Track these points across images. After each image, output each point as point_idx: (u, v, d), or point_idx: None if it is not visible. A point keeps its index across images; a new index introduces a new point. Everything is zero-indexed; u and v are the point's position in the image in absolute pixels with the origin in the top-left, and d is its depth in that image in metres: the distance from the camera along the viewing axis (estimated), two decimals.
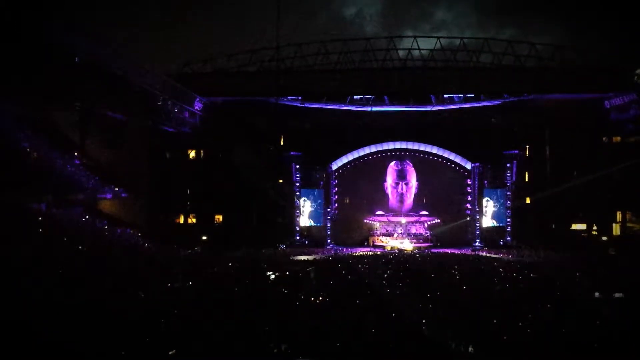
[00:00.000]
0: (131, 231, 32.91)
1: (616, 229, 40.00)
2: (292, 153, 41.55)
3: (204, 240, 38.04)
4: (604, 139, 40.00)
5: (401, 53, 39.25)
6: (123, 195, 36.09)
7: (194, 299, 16.34)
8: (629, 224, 39.59)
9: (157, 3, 57.59)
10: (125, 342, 11.05)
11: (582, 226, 41.18)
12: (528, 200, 41.24)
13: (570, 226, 41.36)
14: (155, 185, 38.19)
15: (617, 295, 16.59)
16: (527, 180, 41.92)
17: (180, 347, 11.20)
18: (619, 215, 40.08)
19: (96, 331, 11.30)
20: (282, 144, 43.00)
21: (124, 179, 35.62)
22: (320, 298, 17.18)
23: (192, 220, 42.10)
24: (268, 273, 22.50)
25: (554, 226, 40.71)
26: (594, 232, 40.30)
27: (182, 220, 42.36)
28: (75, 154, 31.96)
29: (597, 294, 17.01)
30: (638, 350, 10.55)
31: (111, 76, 28.33)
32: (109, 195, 35.38)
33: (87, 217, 30.46)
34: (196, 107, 37.78)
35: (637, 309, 14.43)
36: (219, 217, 42.60)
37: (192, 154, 42.63)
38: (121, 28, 46.61)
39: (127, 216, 34.93)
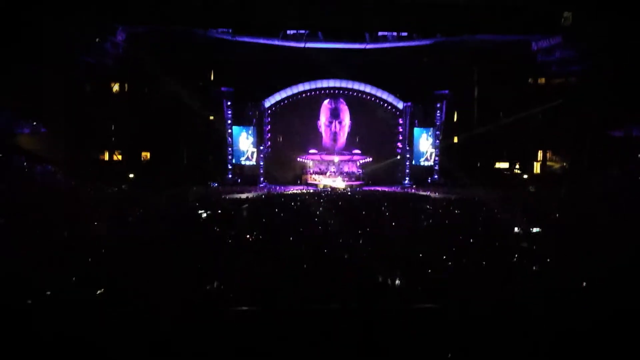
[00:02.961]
0: (52, 168, 31.24)
1: (537, 168, 42.43)
2: (223, 89, 40.21)
3: (131, 178, 36.69)
4: (529, 80, 41.47)
5: None
6: (42, 130, 33.98)
7: (122, 238, 15.81)
8: (549, 163, 42.11)
9: None
10: (50, 282, 10.54)
11: (505, 165, 43.28)
12: (456, 140, 42.61)
13: (494, 164, 43.36)
14: (76, 120, 36.11)
15: (534, 230, 17.59)
16: (455, 120, 43.10)
17: (107, 287, 10.81)
18: (540, 155, 42.43)
19: (17, 271, 10.72)
20: (212, 79, 41.44)
21: (42, 113, 33.43)
22: (253, 236, 17.14)
23: (117, 157, 40.40)
24: (199, 211, 22.13)
25: (479, 164, 42.54)
26: (516, 171, 42.51)
27: (106, 157, 40.56)
28: None
29: (516, 229, 17.97)
30: (556, 279, 11.26)
31: None
32: (26, 130, 33.21)
33: (2, 154, 28.51)
34: (119, 38, 35.34)
35: (552, 242, 15.44)
36: (147, 155, 41.14)
37: (116, 87, 40.31)
38: None
39: (48, 152, 33.01)
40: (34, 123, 33.77)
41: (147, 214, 21.71)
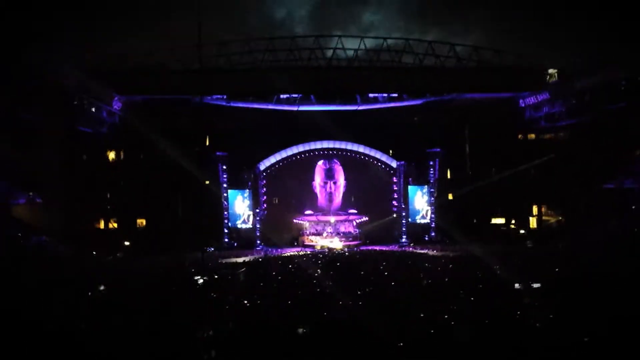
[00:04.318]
0: (47, 238, 30.96)
1: (533, 222, 42.36)
2: (218, 153, 40.64)
3: (127, 245, 36.31)
4: (519, 136, 42.22)
5: (327, 53, 39.52)
6: (38, 200, 33.96)
7: (118, 307, 15.48)
8: (544, 218, 42.10)
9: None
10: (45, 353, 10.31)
11: (501, 220, 43.21)
12: (450, 197, 42.74)
13: (490, 220, 43.28)
14: (72, 190, 36.14)
15: (535, 285, 17.40)
16: (449, 177, 43.44)
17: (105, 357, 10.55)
18: (535, 209, 42.50)
19: (11, 342, 10.49)
20: (207, 144, 41.93)
21: (38, 183, 33.50)
22: (250, 301, 16.85)
23: (113, 225, 40.15)
24: (196, 277, 21.80)
25: (475, 221, 42.45)
26: (512, 226, 42.43)
27: (102, 225, 40.31)
28: None
29: (516, 285, 17.76)
30: (559, 335, 11.06)
31: (23, 73, 26.48)
32: (22, 201, 33.17)
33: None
34: (115, 107, 36.03)
35: (554, 298, 15.21)
36: (142, 221, 40.93)
37: (112, 155, 40.66)
38: (34, 22, 43.52)
39: (43, 222, 32.83)
40: (30, 194, 33.80)
41: (143, 281, 21.36)
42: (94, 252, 31.45)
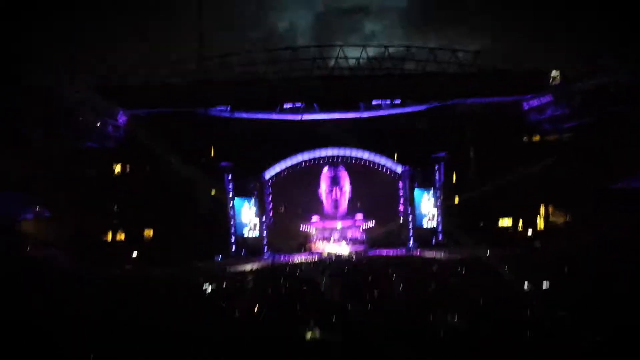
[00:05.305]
0: (56, 252, 31.24)
1: (540, 224, 42.30)
2: (223, 163, 40.92)
3: (135, 257, 36.56)
4: (524, 138, 42.24)
5: (329, 62, 39.75)
6: (46, 214, 34.34)
7: (129, 319, 15.61)
8: (551, 219, 42.04)
9: (72, 17, 54.82)
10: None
11: (508, 222, 43.16)
12: (456, 200, 42.77)
13: (497, 222, 43.27)
14: (79, 203, 36.54)
15: (543, 286, 17.42)
16: (454, 181, 43.45)
17: None
18: (542, 210, 42.44)
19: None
20: (212, 154, 42.24)
21: (45, 198, 33.88)
22: (259, 307, 16.94)
23: (120, 237, 40.45)
24: (204, 287, 21.94)
25: (482, 224, 42.43)
26: (519, 228, 42.37)
27: (109, 237, 40.61)
28: None
29: (525, 286, 17.79)
30: (568, 336, 11.10)
31: (28, 90, 26.82)
32: (29, 215, 33.55)
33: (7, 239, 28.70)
34: (120, 121, 36.41)
35: (563, 298, 15.25)
36: (149, 232, 41.21)
37: (118, 168, 41.04)
38: (37, 38, 44.04)
39: (52, 237, 33.16)
40: (37, 208, 34.16)
41: (152, 293, 21.51)
42: (103, 265, 31.61)
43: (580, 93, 34.08)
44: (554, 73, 38.73)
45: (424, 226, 42.76)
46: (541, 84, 38.37)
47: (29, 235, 31.86)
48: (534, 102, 38.89)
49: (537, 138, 42.16)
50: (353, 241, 41.91)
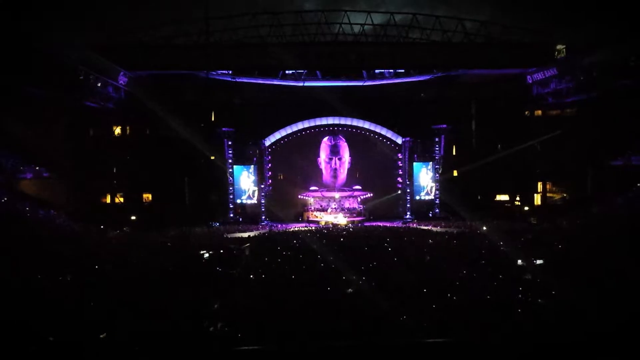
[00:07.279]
0: (55, 212, 31.33)
1: (537, 199, 42.40)
2: (223, 129, 40.72)
3: (133, 219, 36.70)
4: (526, 112, 41.93)
5: (333, 28, 39.06)
6: (45, 175, 34.29)
7: (126, 281, 15.73)
8: (549, 195, 42.11)
9: None
10: (56, 325, 10.54)
11: (506, 197, 43.26)
12: (455, 173, 42.74)
13: (495, 197, 43.36)
14: (78, 164, 36.47)
15: (538, 262, 17.51)
16: (454, 153, 43.35)
17: (111, 331, 10.76)
18: (539, 186, 42.47)
19: (24, 315, 10.73)
20: (213, 119, 41.96)
21: (45, 158, 33.77)
22: (256, 275, 17.07)
23: (119, 199, 40.51)
24: (201, 252, 22.05)
25: (479, 197, 42.53)
26: (517, 203, 42.48)
27: (108, 199, 40.69)
28: None
29: (519, 262, 17.88)
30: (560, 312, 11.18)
31: (29, 49, 26.38)
32: (29, 175, 33.51)
33: (6, 198, 28.72)
34: (121, 82, 35.96)
35: (556, 274, 15.34)
36: (148, 196, 41.27)
37: (118, 130, 40.79)
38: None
39: (51, 197, 33.21)
40: (37, 168, 34.09)
41: (149, 256, 21.63)
42: (101, 227, 31.74)
43: (586, 67, 33.62)
44: (560, 46, 38.15)
45: (422, 199, 42.87)
46: (546, 56, 37.82)
47: (27, 194, 31.85)
48: (538, 76, 38.43)
49: (539, 112, 41.85)
50: (350, 212, 42.06)
